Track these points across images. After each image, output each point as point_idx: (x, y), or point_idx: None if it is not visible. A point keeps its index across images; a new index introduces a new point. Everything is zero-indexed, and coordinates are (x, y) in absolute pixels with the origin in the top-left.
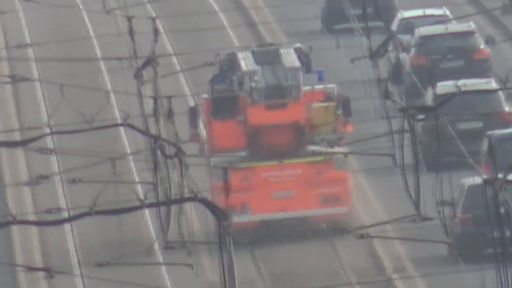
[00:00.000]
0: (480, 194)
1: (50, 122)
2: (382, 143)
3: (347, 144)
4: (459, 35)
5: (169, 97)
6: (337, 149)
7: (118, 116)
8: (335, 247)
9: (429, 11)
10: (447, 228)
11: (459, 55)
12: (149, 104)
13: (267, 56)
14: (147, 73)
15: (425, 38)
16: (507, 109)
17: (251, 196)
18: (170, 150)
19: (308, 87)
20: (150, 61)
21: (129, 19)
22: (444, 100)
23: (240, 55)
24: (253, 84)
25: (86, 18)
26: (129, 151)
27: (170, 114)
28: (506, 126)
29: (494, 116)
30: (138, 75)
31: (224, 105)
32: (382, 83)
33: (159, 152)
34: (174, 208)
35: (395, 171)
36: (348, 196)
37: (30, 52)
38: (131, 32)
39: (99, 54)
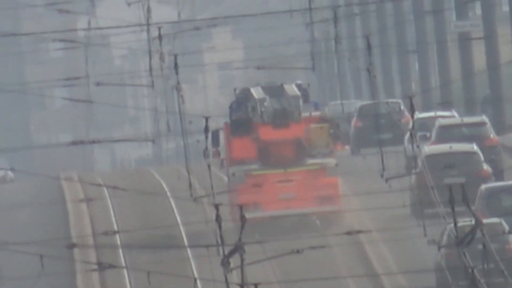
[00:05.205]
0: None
1: None
2: None
3: None
4: (473, 125)
5: (255, 284)
6: (328, 159)
7: None
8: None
9: (440, 113)
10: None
11: (472, 141)
12: None
13: (274, 90)
14: (234, 261)
15: (444, 128)
16: (485, 167)
17: (262, 197)
18: None
19: (307, 114)
20: (237, 248)
21: (216, 206)
22: None
23: (252, 89)
24: (263, 109)
25: (173, 205)
26: None
27: None
28: (485, 181)
29: (475, 173)
30: (224, 263)
31: (240, 126)
32: (470, 269)
33: None
34: None
35: None
36: (338, 197)
37: (117, 239)
38: (218, 220)
39: (186, 241)
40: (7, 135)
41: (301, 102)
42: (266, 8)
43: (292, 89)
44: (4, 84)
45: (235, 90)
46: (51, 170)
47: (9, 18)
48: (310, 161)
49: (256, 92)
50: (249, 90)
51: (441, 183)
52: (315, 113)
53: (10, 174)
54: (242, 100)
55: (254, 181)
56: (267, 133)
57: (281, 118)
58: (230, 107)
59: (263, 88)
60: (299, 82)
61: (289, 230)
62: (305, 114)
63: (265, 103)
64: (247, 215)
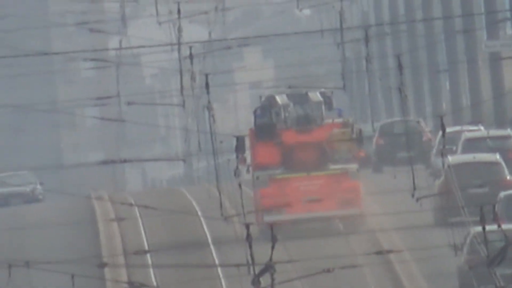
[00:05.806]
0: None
1: None
2: None
3: None
4: (498, 138)
5: None
6: (350, 164)
7: None
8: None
9: (466, 127)
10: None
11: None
12: None
13: (298, 97)
14: (264, 280)
15: (470, 140)
16: (508, 177)
17: (286, 200)
18: None
19: (329, 120)
20: (268, 268)
21: (247, 226)
22: None
23: (277, 96)
24: (287, 114)
25: (204, 224)
26: None
27: None
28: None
29: (498, 183)
30: (255, 282)
31: (265, 131)
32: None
33: None
34: None
35: None
36: (360, 201)
37: (148, 258)
38: (248, 239)
39: (216, 260)
40: (38, 154)
41: (323, 107)
42: (297, 28)
43: (315, 96)
44: (35, 103)
45: (260, 97)
46: (82, 190)
47: (40, 37)
48: (333, 165)
49: (281, 99)
50: (274, 97)
51: (464, 192)
52: (338, 119)
53: (39, 189)
54: (266, 106)
55: (277, 185)
56: (290, 138)
57: (304, 123)
58: (255, 113)
59: (288, 95)
60: (323, 90)
61: (314, 234)
62: (327, 120)
63: (289, 109)
64: (271, 218)
